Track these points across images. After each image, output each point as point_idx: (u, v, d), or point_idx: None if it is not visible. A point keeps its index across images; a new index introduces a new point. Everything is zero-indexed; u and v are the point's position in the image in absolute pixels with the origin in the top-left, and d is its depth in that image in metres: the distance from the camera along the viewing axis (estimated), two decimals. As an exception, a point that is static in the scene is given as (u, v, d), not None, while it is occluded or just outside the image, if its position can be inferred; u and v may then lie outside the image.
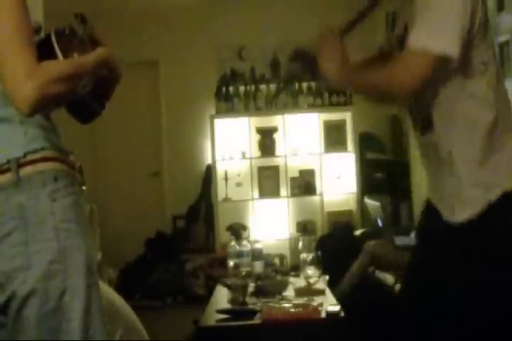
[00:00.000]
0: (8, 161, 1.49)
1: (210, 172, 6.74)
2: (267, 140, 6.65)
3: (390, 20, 2.07)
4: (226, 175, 6.60)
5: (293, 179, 6.65)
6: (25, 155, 1.50)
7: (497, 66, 1.94)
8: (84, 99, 1.58)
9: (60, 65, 1.48)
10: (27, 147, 1.51)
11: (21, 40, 1.42)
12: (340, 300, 3.17)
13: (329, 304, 2.99)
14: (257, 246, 3.90)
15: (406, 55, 1.87)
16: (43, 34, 1.56)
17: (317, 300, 3.07)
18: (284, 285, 3.44)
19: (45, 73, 1.42)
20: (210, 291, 3.92)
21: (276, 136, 6.67)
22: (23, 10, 1.45)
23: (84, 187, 1.62)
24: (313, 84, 6.67)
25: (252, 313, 2.93)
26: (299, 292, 3.28)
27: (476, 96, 1.89)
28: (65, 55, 1.51)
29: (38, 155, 1.52)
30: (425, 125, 1.96)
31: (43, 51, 1.47)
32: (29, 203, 1.48)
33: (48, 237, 1.48)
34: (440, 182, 1.97)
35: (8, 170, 1.49)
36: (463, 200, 1.90)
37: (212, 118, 6.63)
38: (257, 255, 3.84)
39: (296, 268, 3.82)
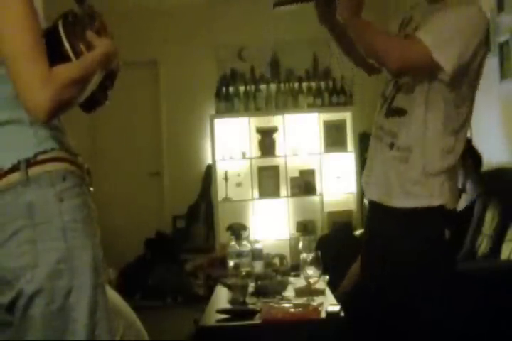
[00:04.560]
0: (19, 162, 1.50)
1: (210, 172, 6.74)
2: (267, 140, 6.65)
3: (405, 21, 2.20)
4: (226, 175, 6.59)
5: (293, 179, 6.65)
6: (35, 155, 1.51)
7: (468, 121, 2.10)
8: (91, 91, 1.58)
9: (71, 69, 1.48)
10: (37, 148, 1.51)
11: (33, 47, 1.41)
12: (341, 300, 3.17)
13: (329, 304, 2.99)
14: (257, 246, 3.90)
15: (411, 40, 2.01)
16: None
17: (317, 300, 3.06)
18: (284, 285, 3.44)
19: (59, 79, 1.42)
20: (210, 291, 3.92)
21: (276, 136, 6.66)
22: (33, 15, 1.44)
23: (92, 189, 1.62)
24: (313, 84, 6.68)
25: (252, 313, 2.93)
26: (299, 292, 3.27)
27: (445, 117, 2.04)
28: (73, 49, 1.50)
29: (48, 156, 1.52)
30: (392, 112, 2.09)
31: (51, 44, 1.47)
32: (37, 202, 1.48)
33: (56, 237, 1.48)
34: (379, 165, 2.13)
35: (17, 169, 1.49)
36: (399, 192, 2.07)
37: (212, 118, 6.63)
38: (257, 255, 3.84)
39: (296, 268, 3.81)
